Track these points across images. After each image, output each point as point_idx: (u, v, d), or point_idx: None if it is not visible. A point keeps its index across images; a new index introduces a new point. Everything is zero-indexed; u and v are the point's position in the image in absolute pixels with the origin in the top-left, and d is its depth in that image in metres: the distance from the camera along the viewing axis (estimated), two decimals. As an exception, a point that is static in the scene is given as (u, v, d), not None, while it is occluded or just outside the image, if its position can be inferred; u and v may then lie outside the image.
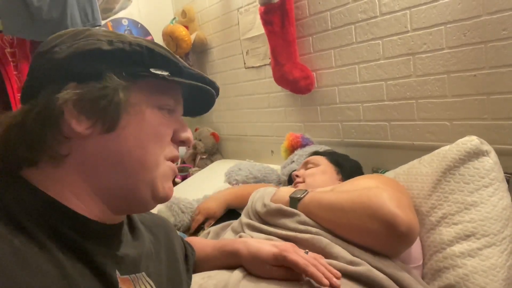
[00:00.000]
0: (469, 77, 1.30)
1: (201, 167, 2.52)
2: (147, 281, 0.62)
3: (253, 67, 2.21)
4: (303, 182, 1.35)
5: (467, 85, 1.30)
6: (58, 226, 0.50)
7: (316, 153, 1.54)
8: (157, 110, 0.58)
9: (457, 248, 0.96)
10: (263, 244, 0.87)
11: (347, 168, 1.39)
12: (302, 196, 1.02)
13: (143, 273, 0.62)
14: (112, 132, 0.53)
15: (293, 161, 1.72)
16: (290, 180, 1.60)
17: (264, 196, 1.14)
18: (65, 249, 0.49)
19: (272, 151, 2.20)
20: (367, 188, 0.91)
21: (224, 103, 2.53)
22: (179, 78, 0.58)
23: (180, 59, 0.61)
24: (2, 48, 1.94)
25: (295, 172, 1.41)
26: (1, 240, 0.44)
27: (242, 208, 1.64)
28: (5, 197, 0.49)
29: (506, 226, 0.96)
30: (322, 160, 1.41)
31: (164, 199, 0.59)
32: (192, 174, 2.40)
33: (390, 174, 1.28)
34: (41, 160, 0.51)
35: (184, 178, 2.43)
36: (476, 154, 1.02)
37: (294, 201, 1.03)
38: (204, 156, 2.57)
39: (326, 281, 0.73)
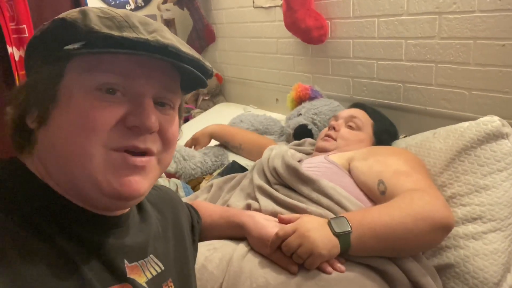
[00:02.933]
0: (496, 46, 1.22)
1: (203, 108, 2.48)
2: (155, 262, 0.62)
3: (262, 7, 2.06)
4: (335, 140, 1.25)
5: (493, 54, 1.23)
6: (65, 221, 0.50)
7: (364, 108, 1.38)
8: (92, 91, 0.48)
9: (462, 229, 0.97)
10: (270, 223, 0.87)
11: (384, 144, 1.28)
12: (349, 229, 0.80)
13: (151, 255, 0.62)
14: (45, 126, 0.50)
15: (300, 114, 1.67)
16: (296, 134, 1.57)
17: (284, 154, 1.10)
18: (73, 244, 0.49)
19: (277, 99, 2.15)
20: (409, 198, 0.85)
21: (229, 43, 2.41)
22: (104, 46, 0.47)
23: (111, 22, 0.48)
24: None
25: (334, 123, 1.31)
26: (12, 237, 0.44)
27: (225, 143, 1.68)
28: (13, 191, 0.49)
29: (514, 212, 0.96)
30: (367, 126, 1.29)
31: (118, 195, 0.50)
32: (194, 116, 2.36)
33: (400, 144, 1.26)
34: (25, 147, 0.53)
35: (186, 120, 2.39)
36: (495, 136, 0.99)
37: (345, 237, 0.80)
38: (207, 98, 2.51)
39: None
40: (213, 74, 0.60)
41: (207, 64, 0.56)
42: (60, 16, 0.48)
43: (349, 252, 0.80)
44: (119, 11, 0.50)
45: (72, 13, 0.48)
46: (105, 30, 0.47)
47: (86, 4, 2.04)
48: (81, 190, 0.50)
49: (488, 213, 0.95)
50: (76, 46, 0.46)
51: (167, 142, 0.55)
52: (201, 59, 0.55)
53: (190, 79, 0.57)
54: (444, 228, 0.82)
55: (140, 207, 0.67)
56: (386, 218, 0.81)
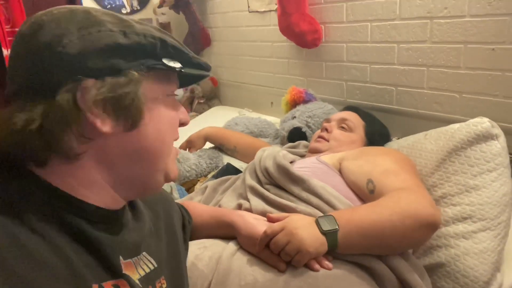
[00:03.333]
0: (486, 50, 1.24)
1: (198, 111, 2.49)
2: (148, 260, 0.62)
3: (257, 11, 2.08)
4: (327, 141, 1.27)
5: (483, 58, 1.25)
6: (62, 215, 0.49)
7: (356, 110, 1.40)
8: (167, 97, 0.58)
9: (452, 228, 0.98)
10: (259, 222, 0.88)
11: (376, 145, 1.28)
12: (336, 227, 0.80)
13: (144, 252, 0.62)
14: (134, 130, 0.52)
15: (295, 117, 1.68)
16: (290, 136, 1.58)
17: (275, 155, 1.11)
18: (69, 239, 0.49)
19: (272, 103, 2.16)
20: (397, 197, 0.86)
21: (224, 46, 2.43)
22: (188, 68, 0.58)
23: (186, 48, 0.59)
24: (-13, -26, 1.78)
25: (326, 124, 1.33)
26: (5, 234, 0.43)
27: (220, 145, 1.69)
28: (9, 189, 0.47)
29: (503, 212, 0.97)
30: (359, 127, 1.31)
31: (174, 179, 0.61)
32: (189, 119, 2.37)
33: (393, 145, 1.27)
34: (52, 159, 0.49)
35: (180, 123, 2.40)
36: (485, 137, 1.01)
37: (333, 235, 0.80)
38: (202, 101, 2.52)
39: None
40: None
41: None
42: (157, 35, 0.54)
43: (337, 250, 0.80)
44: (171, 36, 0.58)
45: (165, 36, 0.55)
46: (191, 54, 0.58)
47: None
48: (151, 181, 0.58)
49: (478, 213, 0.96)
50: (178, 65, 0.56)
51: None
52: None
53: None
54: (430, 226, 0.83)
55: (132, 204, 0.67)
56: (374, 216, 0.82)
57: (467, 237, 0.96)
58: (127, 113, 0.51)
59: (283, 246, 0.78)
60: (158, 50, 0.54)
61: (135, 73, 0.51)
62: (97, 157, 0.52)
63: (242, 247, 0.86)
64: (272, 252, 0.81)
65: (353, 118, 1.33)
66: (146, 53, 0.53)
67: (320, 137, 1.30)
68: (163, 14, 2.59)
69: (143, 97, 0.52)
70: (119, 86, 0.50)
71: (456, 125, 1.07)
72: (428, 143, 1.12)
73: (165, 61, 0.54)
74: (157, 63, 0.54)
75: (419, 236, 0.84)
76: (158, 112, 0.56)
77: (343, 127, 1.30)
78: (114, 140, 0.52)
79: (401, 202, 0.84)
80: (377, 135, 1.33)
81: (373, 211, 0.84)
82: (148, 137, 0.54)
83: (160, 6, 2.45)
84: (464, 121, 1.10)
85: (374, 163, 1.00)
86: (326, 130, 1.30)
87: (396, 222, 0.81)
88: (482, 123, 1.01)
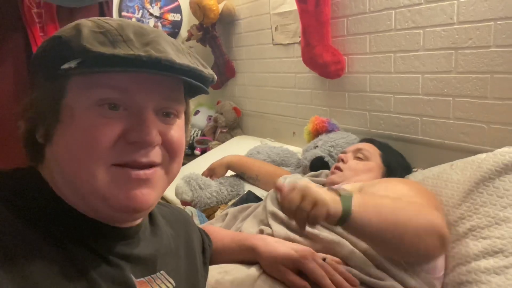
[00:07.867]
0: (514, 80, 1.22)
1: (221, 140, 2.51)
2: (166, 279, 0.61)
3: (281, 44, 2.13)
4: (341, 171, 1.28)
5: (511, 88, 1.23)
6: (75, 229, 0.51)
7: (372, 141, 1.43)
8: (93, 108, 0.48)
9: (483, 263, 0.93)
10: (282, 244, 0.86)
11: (397, 175, 1.28)
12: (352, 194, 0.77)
13: (162, 271, 0.61)
14: (50, 143, 0.51)
15: (317, 146, 1.67)
16: (312, 166, 1.57)
17: (297, 180, 1.10)
18: (83, 251, 0.50)
19: (294, 133, 2.16)
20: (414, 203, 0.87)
21: (248, 78, 2.48)
22: (101, 64, 0.47)
23: (102, 39, 0.47)
24: (29, 9, 1.91)
25: (342, 155, 1.35)
26: (18, 236, 0.45)
27: (242, 173, 1.70)
28: (27, 196, 0.50)
29: (538, 247, 0.92)
30: (375, 156, 1.32)
31: (126, 209, 0.50)
32: (212, 148, 2.39)
33: (417, 176, 1.24)
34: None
35: (203, 151, 2.43)
36: (514, 167, 0.97)
37: (347, 199, 0.76)
38: (225, 130, 2.56)
39: None
40: (214, 81, 0.58)
41: (206, 72, 0.55)
42: (57, 33, 0.49)
43: (349, 219, 0.72)
44: (114, 23, 0.49)
45: (67, 30, 0.49)
46: (97, 48, 0.46)
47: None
48: (90, 204, 0.51)
49: (510, 246, 0.91)
50: (72, 65, 0.46)
51: (173, 152, 0.55)
52: (198, 67, 0.53)
53: (193, 85, 0.56)
54: (441, 239, 0.80)
55: (152, 221, 0.67)
56: (391, 203, 0.82)
57: (499, 273, 0.90)
58: (39, 126, 0.51)
59: (298, 203, 0.71)
60: (61, 52, 0.48)
61: (42, 84, 0.51)
62: (49, 167, 0.53)
63: (264, 272, 0.84)
64: (296, 280, 0.78)
65: (368, 147, 1.34)
66: (50, 59, 0.49)
67: (335, 167, 1.31)
68: (191, 47, 2.68)
69: (52, 109, 0.49)
70: (30, 100, 0.51)
71: (483, 155, 1.05)
72: (454, 173, 1.09)
73: (66, 65, 0.46)
74: (56, 68, 0.47)
75: (429, 242, 0.80)
76: (70, 126, 0.49)
77: (358, 157, 1.32)
78: (47, 152, 0.52)
79: (420, 207, 0.85)
80: (394, 163, 1.33)
81: (391, 199, 0.84)
82: (60, 153, 0.50)
83: (188, 39, 2.55)
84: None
85: (391, 190, 0.99)
86: (342, 160, 1.32)
87: (412, 216, 0.80)
88: (510, 153, 0.98)
